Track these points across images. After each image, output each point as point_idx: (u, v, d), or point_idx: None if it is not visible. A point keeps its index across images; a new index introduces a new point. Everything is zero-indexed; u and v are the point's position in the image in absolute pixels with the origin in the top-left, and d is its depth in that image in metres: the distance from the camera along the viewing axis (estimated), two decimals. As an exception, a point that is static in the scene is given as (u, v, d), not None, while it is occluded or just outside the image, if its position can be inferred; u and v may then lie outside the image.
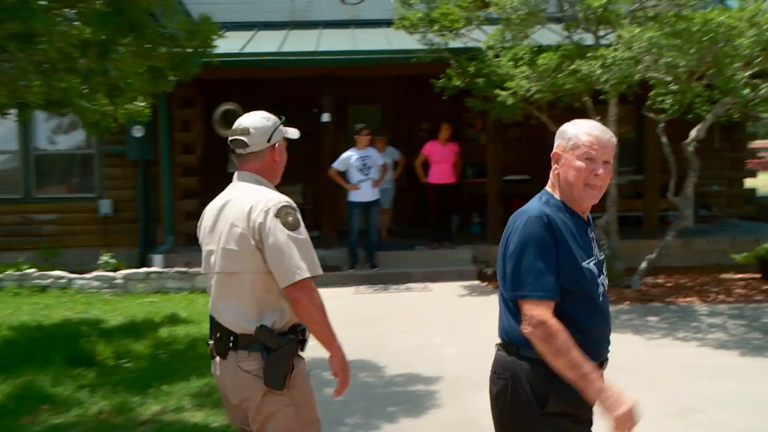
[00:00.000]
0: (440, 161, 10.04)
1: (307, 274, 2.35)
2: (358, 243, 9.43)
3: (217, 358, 2.50)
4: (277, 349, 2.36)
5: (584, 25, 8.26)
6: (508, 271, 2.18)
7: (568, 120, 2.35)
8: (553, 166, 2.29)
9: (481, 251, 9.89)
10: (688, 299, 7.83)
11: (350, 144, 9.68)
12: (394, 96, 12.16)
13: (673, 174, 8.32)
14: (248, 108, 2.92)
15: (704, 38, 6.30)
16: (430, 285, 8.96)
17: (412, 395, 4.87)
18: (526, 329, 2.12)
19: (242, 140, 2.50)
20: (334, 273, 9.14)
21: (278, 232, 2.36)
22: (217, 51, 6.43)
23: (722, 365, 5.47)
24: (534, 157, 11.71)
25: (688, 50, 6.36)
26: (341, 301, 8.10)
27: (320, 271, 2.41)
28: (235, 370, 2.40)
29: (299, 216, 2.45)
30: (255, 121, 2.53)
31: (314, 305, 2.38)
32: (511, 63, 7.90)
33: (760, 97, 7.31)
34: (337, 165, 9.24)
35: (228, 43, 7.63)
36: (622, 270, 8.49)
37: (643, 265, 8.48)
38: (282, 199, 2.46)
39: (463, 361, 5.50)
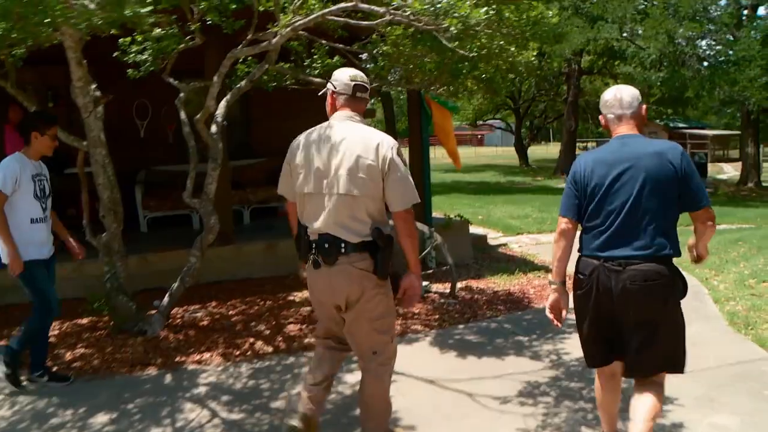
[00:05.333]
0: None
1: (412, 203, 2.82)
2: None
3: (323, 267, 2.83)
4: (385, 248, 2.82)
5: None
6: (695, 186, 2.64)
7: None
8: None
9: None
10: (207, 355, 4.79)
11: None
12: None
13: (193, 161, 5.17)
14: None
15: None
16: None
17: None
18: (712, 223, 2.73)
19: (366, 86, 2.93)
20: None
21: (400, 167, 2.79)
22: None
23: None
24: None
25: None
26: None
27: (418, 200, 2.87)
28: (349, 270, 2.81)
29: None
30: (363, 74, 2.97)
31: (414, 226, 2.90)
32: None
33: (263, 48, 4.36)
34: None
35: None
36: (132, 308, 5.20)
37: (166, 299, 5.28)
38: (394, 140, 2.85)
39: None
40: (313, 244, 2.84)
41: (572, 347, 4.77)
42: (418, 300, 3.03)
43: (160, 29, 4.27)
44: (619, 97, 2.79)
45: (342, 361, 3.19)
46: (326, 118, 2.98)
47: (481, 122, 39.01)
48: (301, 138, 2.95)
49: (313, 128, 2.94)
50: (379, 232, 2.80)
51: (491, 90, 5.48)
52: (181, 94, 5.18)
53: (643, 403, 2.74)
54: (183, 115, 5.10)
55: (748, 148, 20.90)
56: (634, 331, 2.70)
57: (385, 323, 2.95)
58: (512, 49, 4.77)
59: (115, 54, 4.48)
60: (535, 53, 4.96)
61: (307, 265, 2.91)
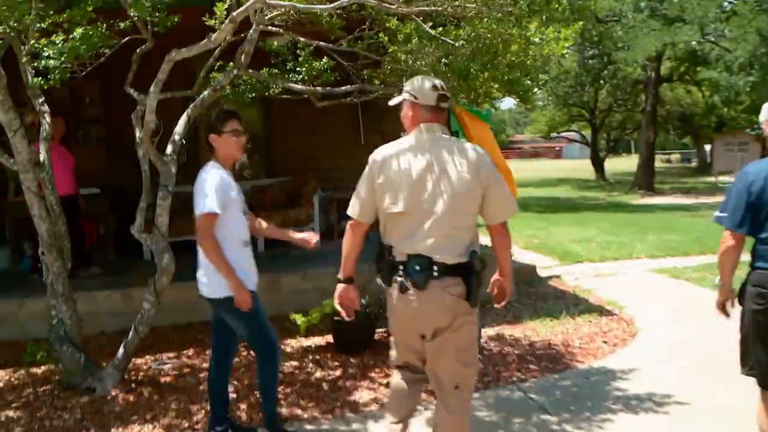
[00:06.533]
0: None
1: (514, 213, 2.75)
2: None
3: (411, 291, 2.60)
4: (480, 272, 2.64)
5: None
6: None
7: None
8: None
9: None
10: (149, 426, 3.85)
11: None
12: None
13: (145, 188, 4.30)
14: None
15: None
16: None
17: None
18: None
19: (448, 95, 2.73)
20: None
21: (499, 178, 2.70)
22: None
23: None
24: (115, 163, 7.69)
25: None
26: None
27: (518, 210, 2.80)
28: (442, 295, 2.60)
29: None
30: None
31: (510, 237, 2.80)
32: None
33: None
34: None
35: None
36: (80, 360, 4.35)
37: (120, 352, 4.39)
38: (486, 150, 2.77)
39: None
40: (401, 266, 2.64)
41: (616, 436, 3.52)
42: (508, 298, 2.85)
43: (81, 28, 3.41)
44: None
45: (422, 391, 3.01)
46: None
47: (555, 135, 37.01)
48: (385, 153, 2.72)
49: (396, 143, 2.73)
50: (474, 255, 2.66)
51: (517, 95, 4.33)
52: (138, 107, 4.32)
53: None
54: (138, 133, 4.22)
55: None
56: None
57: (470, 355, 2.80)
58: (537, 39, 3.63)
59: (24, 59, 3.67)
60: (568, 44, 3.77)
61: (391, 289, 2.69)
